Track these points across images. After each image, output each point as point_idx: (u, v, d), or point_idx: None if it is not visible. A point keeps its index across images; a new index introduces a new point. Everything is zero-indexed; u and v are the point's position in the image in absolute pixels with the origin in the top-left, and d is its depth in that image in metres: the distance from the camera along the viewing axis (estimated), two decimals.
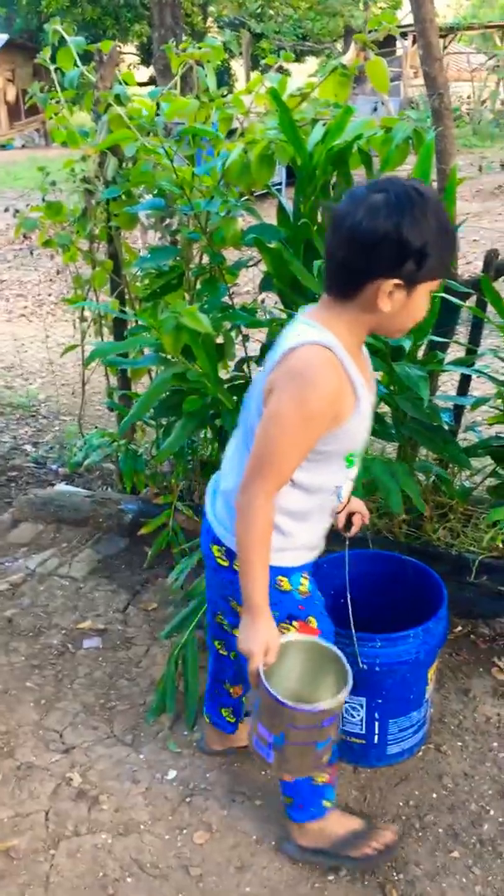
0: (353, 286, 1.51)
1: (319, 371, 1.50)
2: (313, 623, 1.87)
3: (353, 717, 2.21)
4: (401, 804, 2.18)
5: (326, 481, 1.70)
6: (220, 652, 2.17)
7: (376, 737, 2.23)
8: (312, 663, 1.83)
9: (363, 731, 2.22)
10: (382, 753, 2.27)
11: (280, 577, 1.76)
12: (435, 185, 2.55)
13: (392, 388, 2.45)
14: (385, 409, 2.70)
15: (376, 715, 2.19)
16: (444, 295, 2.24)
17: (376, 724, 2.21)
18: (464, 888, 1.96)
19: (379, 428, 2.69)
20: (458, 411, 3.06)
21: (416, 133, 2.43)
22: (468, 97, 18.09)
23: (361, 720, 2.21)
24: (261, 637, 1.64)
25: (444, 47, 17.81)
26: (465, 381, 3.06)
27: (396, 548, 2.80)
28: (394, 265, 1.44)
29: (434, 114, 2.67)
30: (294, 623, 1.85)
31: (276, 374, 1.55)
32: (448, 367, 2.59)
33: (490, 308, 2.61)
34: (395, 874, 1.98)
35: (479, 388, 3.66)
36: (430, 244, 1.42)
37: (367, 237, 1.43)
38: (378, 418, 2.75)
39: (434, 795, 2.21)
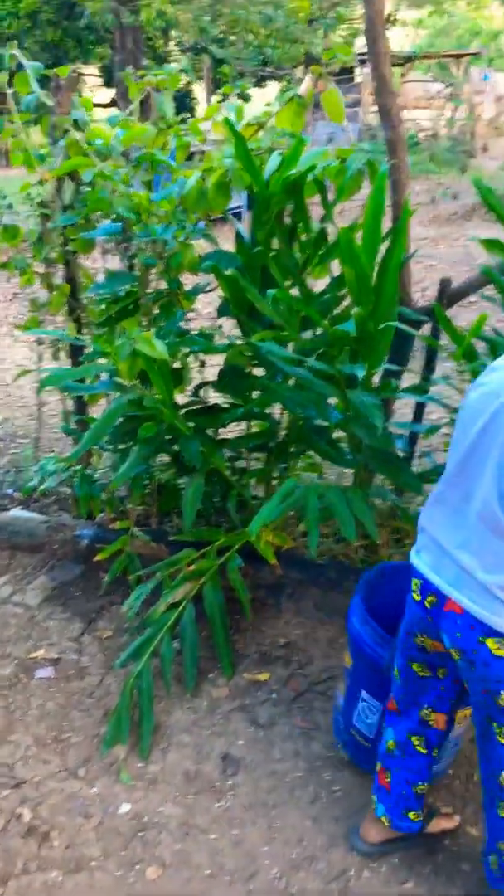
0: None
1: None
2: None
3: (368, 719, 2.21)
4: None
5: None
6: (419, 749, 1.97)
7: None
8: None
9: (373, 737, 2.21)
10: None
11: None
12: (389, 214, 2.59)
13: (347, 414, 2.46)
14: (341, 434, 2.71)
15: None
16: (397, 324, 2.26)
17: None
18: None
19: (335, 454, 2.70)
20: (413, 437, 3.09)
21: (369, 164, 2.47)
22: (421, 123, 18.43)
23: (373, 724, 2.20)
24: None
25: (402, 75, 18.17)
26: (420, 408, 3.09)
27: (353, 573, 2.82)
28: None
29: (388, 145, 2.71)
30: None
31: None
32: (402, 394, 2.61)
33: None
34: None
35: (435, 412, 3.70)
36: None
37: None
38: (334, 444, 2.76)
39: None
